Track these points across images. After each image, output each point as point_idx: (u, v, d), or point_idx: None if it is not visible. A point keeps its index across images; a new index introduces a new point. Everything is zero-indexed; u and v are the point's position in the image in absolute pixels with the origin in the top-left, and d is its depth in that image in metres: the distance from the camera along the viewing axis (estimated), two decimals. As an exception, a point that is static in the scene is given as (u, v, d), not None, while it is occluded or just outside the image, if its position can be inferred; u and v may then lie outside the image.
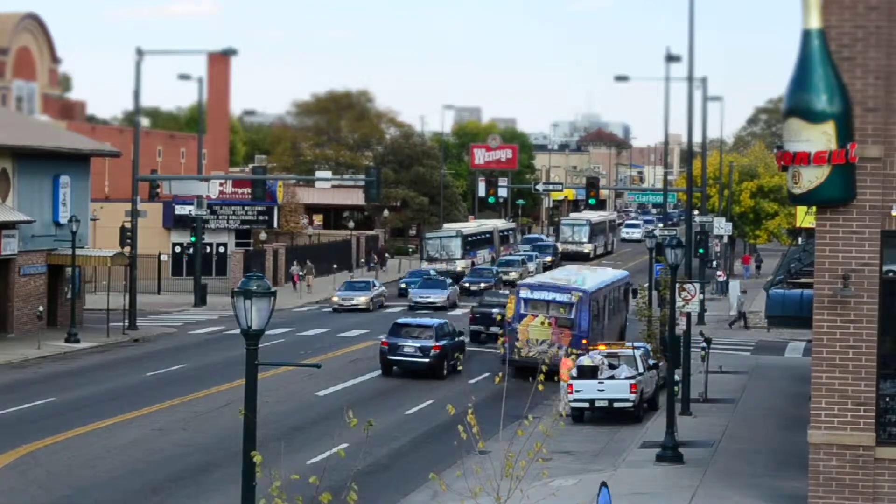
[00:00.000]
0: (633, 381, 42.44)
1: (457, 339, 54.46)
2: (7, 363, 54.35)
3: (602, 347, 45.26)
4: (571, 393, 42.07)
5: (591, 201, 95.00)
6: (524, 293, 53.93)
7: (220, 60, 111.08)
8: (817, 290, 26.62)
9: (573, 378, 42.43)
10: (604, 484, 19.89)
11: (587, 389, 42.18)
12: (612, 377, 42.63)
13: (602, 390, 42.26)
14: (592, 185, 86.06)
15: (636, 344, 49.41)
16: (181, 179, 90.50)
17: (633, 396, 42.24)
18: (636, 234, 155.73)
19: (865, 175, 26.15)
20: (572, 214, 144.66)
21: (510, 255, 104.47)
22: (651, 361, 47.63)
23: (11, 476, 34.42)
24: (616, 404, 42.11)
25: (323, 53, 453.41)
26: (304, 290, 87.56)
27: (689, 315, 44.31)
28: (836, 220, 26.38)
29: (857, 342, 26.33)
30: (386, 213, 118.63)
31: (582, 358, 43.66)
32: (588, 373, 42.48)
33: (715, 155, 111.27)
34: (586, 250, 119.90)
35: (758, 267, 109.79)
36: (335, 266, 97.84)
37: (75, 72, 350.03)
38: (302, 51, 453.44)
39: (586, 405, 42.25)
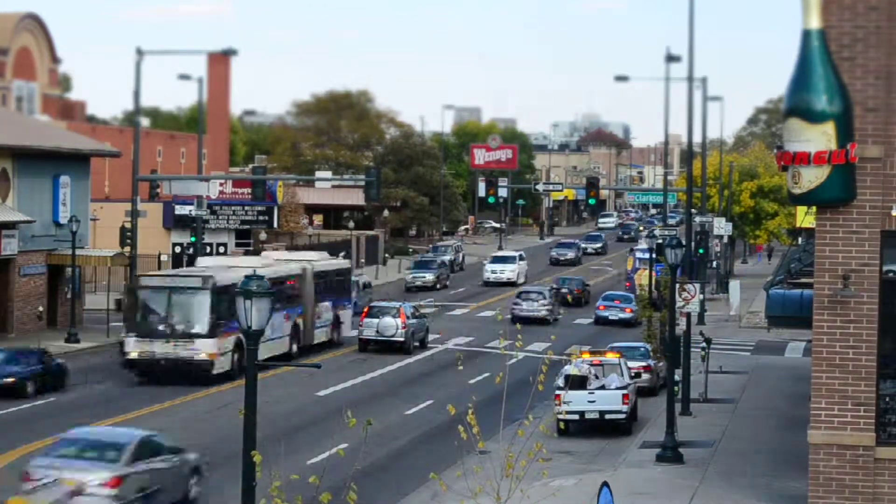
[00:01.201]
0: (625, 392, 40.30)
1: None
2: (7, 363, 54.26)
3: (586, 355, 42.89)
4: (560, 405, 39.69)
5: (591, 201, 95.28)
6: (638, 255, 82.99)
7: (220, 60, 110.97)
8: (817, 290, 26.61)
9: (560, 389, 40.11)
10: (605, 484, 19.77)
11: (577, 400, 39.69)
12: (602, 387, 40.58)
13: (593, 401, 39.94)
14: (592, 185, 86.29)
15: (628, 344, 49.69)
16: (181, 179, 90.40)
17: (625, 408, 40.09)
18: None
19: (865, 175, 26.14)
20: (200, 262, 62.03)
21: None
22: (654, 361, 47.94)
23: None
24: (608, 416, 39.87)
25: (323, 53, 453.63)
26: None
27: (689, 315, 44.30)
28: (836, 220, 26.37)
29: (857, 342, 26.32)
30: (386, 213, 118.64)
31: (567, 367, 41.83)
32: (577, 383, 40.05)
33: (715, 155, 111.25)
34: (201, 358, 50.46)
35: (769, 256, 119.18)
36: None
37: (75, 72, 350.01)
38: (302, 51, 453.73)
39: (576, 417, 39.84)
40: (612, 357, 42.60)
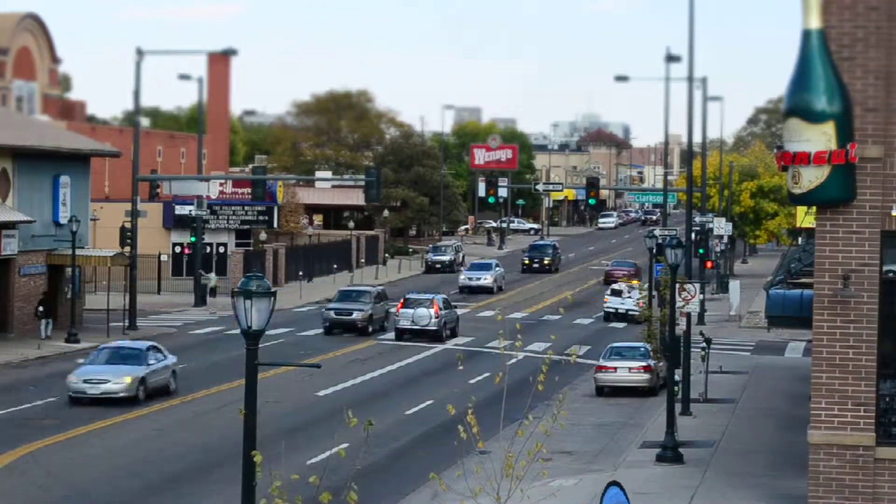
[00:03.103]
0: (433, 310, 63.52)
1: None
2: (7, 363, 54.33)
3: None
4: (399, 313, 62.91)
5: (591, 201, 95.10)
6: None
7: (220, 60, 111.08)
8: (817, 290, 26.61)
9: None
10: (614, 483, 19.48)
11: (405, 317, 63.91)
12: (421, 306, 63.27)
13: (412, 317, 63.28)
14: (592, 185, 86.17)
15: (628, 344, 52.12)
16: (181, 179, 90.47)
17: (436, 321, 63.14)
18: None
19: (865, 175, 26.14)
20: None
21: None
22: (654, 361, 48.79)
23: (11, 476, 34.43)
24: (422, 326, 62.90)
25: (323, 53, 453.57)
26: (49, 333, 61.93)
27: (689, 315, 44.31)
28: (836, 220, 26.37)
29: (857, 342, 26.32)
30: (386, 213, 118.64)
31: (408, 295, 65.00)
32: (413, 303, 64.33)
33: (715, 155, 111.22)
34: None
35: (778, 243, 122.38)
36: (335, 266, 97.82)
37: (75, 72, 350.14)
38: (302, 51, 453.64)
39: (408, 325, 63.47)
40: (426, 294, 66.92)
